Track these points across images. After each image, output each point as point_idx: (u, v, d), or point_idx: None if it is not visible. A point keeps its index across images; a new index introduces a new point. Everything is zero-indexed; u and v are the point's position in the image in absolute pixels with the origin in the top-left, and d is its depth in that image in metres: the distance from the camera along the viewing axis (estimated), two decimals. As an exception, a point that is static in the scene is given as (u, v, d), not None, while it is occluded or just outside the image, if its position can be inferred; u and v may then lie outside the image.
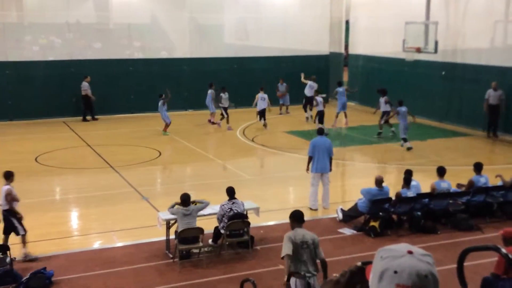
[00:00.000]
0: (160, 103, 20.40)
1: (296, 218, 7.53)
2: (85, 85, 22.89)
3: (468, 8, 21.05)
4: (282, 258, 7.28)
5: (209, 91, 22.29)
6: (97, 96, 23.30)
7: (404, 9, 23.11)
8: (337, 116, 21.98)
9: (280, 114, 24.80)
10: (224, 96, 21.47)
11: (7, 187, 10.00)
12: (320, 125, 19.58)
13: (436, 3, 21.87)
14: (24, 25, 24.55)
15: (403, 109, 18.00)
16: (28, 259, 9.85)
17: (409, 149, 17.88)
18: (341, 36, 28.73)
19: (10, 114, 22.91)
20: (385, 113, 20.06)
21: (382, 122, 20.09)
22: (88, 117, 23.32)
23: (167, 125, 20.43)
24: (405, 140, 18.07)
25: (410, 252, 1.76)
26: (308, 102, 23.30)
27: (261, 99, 21.79)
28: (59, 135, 20.66)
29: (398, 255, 1.76)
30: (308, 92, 23.47)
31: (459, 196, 11.92)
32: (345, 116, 22.25)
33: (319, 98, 20.56)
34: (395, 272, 1.73)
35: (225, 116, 21.27)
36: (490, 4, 20.41)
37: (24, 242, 9.95)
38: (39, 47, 24.73)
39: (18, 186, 14.48)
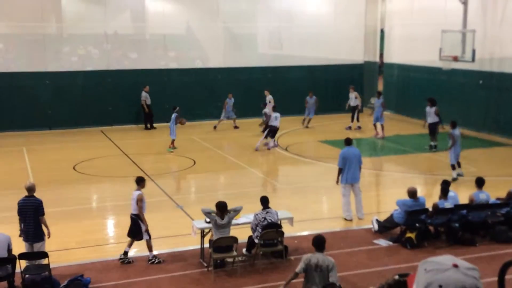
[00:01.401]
0: (174, 116, 19.49)
1: (315, 245, 7.96)
2: (143, 95, 23.45)
3: (506, 15, 20.64)
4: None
5: (229, 100, 23.33)
6: (133, 105, 23.74)
7: (440, 17, 22.80)
8: (383, 127, 21.69)
9: (306, 127, 23.90)
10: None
11: (139, 192, 10.31)
12: (272, 140, 19.39)
13: (473, 11, 21.52)
14: (63, 37, 25.14)
15: (457, 132, 15.55)
16: (156, 261, 10.16)
17: (454, 180, 15.03)
18: (376, 45, 28.52)
19: (49, 123, 23.45)
20: (435, 125, 18.96)
21: (437, 134, 19.10)
22: (149, 125, 23.83)
23: (173, 141, 19.55)
24: (453, 167, 15.58)
25: (455, 266, 1.73)
26: (354, 112, 23.47)
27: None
28: (97, 144, 21.02)
29: (443, 268, 1.73)
30: (353, 102, 23.54)
31: (498, 208, 11.65)
32: (377, 127, 22.04)
33: (277, 114, 19.76)
34: (440, 286, 1.69)
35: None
36: (530, 11, 20.01)
37: (149, 246, 10.24)
38: (78, 58, 25.28)
39: (56, 193, 14.84)
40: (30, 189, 9.74)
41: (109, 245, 11.68)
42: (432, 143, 19.28)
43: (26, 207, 9.59)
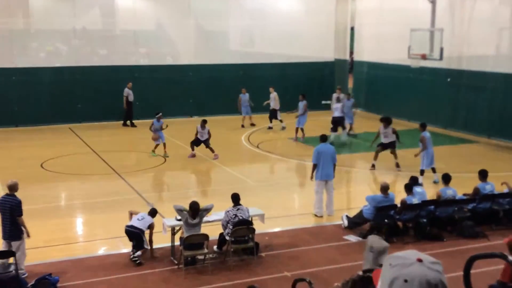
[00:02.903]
0: (157, 122, 18.46)
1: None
2: (125, 91, 23.28)
3: (473, 15, 21.04)
4: None
5: (242, 95, 23.37)
6: (103, 102, 23.51)
7: (409, 16, 23.09)
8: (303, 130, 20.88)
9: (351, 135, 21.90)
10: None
11: (153, 221, 10.54)
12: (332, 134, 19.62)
13: (441, 10, 21.86)
14: (30, 32, 24.67)
15: (428, 134, 15.08)
16: (138, 261, 10.06)
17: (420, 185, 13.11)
18: (346, 42, 28.75)
19: (16, 120, 23.00)
20: (390, 145, 16.74)
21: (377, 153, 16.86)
22: (128, 122, 23.68)
23: (164, 145, 18.52)
24: (422, 173, 14.96)
25: (419, 260, 1.75)
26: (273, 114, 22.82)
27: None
28: (65, 141, 20.71)
29: (408, 263, 1.75)
30: (273, 104, 22.75)
31: (465, 203, 11.88)
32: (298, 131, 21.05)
33: (337, 105, 20.64)
34: (405, 281, 1.71)
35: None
36: (496, 11, 20.42)
37: (143, 253, 10.23)
38: (46, 54, 24.84)
39: (24, 192, 14.46)
40: (11, 188, 9.62)
41: (77, 243, 11.53)
42: (374, 162, 16.85)
43: (4, 205, 9.46)
